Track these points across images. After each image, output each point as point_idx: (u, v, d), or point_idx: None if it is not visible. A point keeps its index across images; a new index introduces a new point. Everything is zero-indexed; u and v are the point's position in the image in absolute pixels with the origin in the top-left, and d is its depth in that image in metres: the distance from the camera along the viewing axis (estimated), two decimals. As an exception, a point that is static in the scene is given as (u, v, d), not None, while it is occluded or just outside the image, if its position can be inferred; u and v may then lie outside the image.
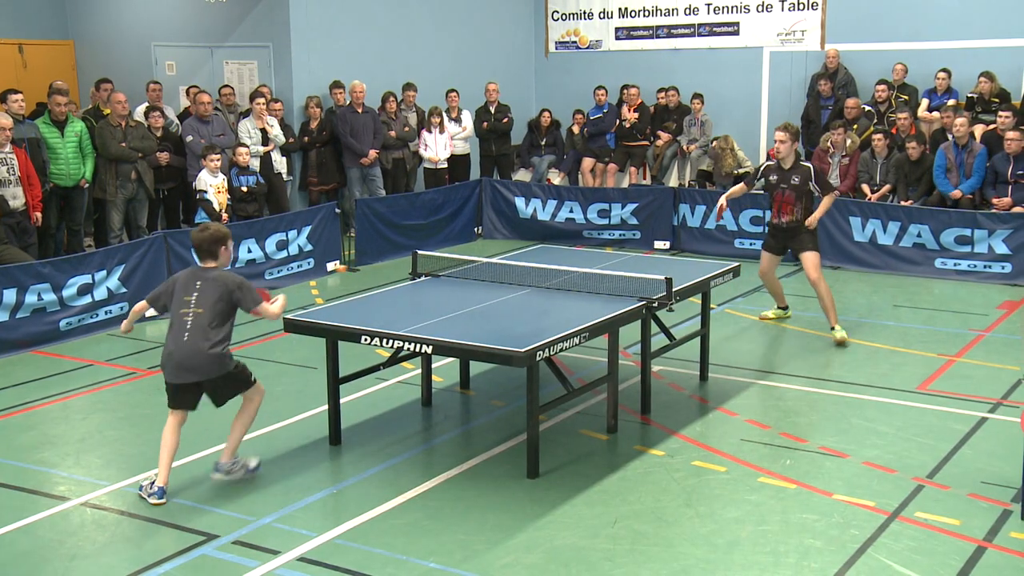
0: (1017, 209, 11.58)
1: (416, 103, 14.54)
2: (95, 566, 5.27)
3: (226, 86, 13.38)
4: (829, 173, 13.40)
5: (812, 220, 9.09)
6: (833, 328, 9.05)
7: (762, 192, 9.71)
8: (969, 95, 13.71)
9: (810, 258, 9.08)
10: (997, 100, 13.40)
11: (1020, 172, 11.74)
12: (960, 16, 14.38)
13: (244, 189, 11.71)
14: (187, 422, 6.09)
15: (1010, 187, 11.80)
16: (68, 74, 15.08)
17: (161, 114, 12.43)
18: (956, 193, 12.10)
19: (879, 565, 5.16)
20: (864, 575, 5.07)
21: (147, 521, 5.75)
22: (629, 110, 15.58)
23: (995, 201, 11.85)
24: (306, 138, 13.57)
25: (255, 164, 12.27)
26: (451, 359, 7.97)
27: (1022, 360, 8.45)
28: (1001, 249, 11.29)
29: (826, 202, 9.21)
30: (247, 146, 12.06)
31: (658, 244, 13.32)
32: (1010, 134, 11.90)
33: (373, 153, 13.49)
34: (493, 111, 15.30)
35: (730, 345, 8.95)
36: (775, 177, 9.13)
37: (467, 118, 14.89)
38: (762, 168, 9.36)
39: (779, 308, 9.84)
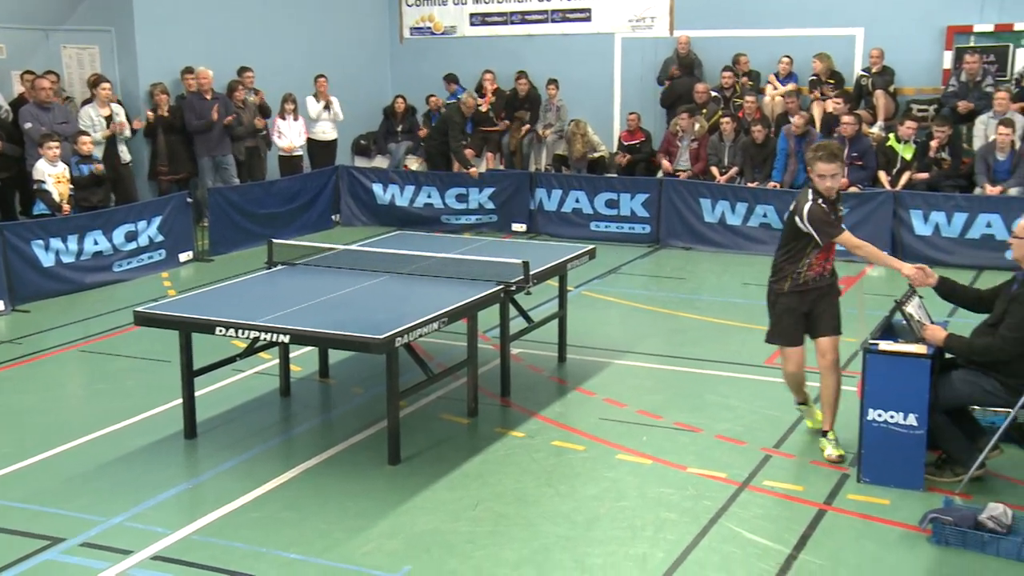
0: (853, 189, 12.15)
1: (255, 86, 14.15)
2: (-69, 577, 5.00)
3: (51, 72, 12.61)
4: (678, 156, 13.80)
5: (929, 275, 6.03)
6: (825, 434, 6.37)
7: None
8: (811, 78, 14.32)
9: (836, 342, 6.41)
10: (832, 81, 14.05)
11: (854, 154, 12.31)
12: (798, 5, 14.95)
13: (90, 172, 11.16)
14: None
15: (846, 168, 12.38)
16: None
17: (-14, 101, 11.76)
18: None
19: (730, 533, 5.36)
20: (716, 543, 5.27)
21: (-13, 527, 5.48)
22: (487, 94, 15.63)
23: (833, 182, 12.37)
24: (150, 115, 13.06)
25: (98, 152, 11.77)
26: (309, 348, 7.86)
27: (858, 331, 8.86)
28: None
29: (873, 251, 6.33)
30: (89, 134, 11.55)
31: (515, 227, 13.44)
32: (845, 118, 12.47)
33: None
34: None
35: (587, 326, 9.10)
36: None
37: (336, 103, 14.62)
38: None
39: (801, 404, 6.77)
